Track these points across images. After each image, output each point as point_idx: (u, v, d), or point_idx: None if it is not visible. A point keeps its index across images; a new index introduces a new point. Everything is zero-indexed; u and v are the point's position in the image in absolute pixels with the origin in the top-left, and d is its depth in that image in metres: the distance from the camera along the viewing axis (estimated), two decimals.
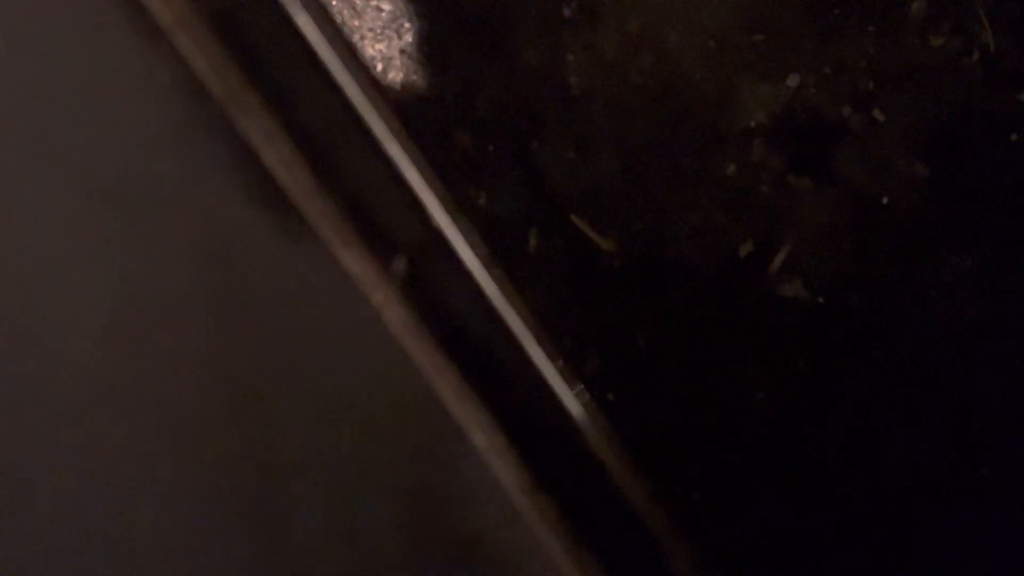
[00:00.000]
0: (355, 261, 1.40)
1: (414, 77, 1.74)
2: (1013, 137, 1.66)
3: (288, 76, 1.50)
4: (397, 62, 1.74)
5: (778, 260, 1.70)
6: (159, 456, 0.89)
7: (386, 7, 1.74)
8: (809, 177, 1.70)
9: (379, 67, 1.74)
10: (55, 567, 0.74)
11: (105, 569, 0.79)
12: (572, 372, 1.67)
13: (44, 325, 0.84)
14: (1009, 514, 1.65)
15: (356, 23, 1.74)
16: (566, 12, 1.72)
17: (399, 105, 1.73)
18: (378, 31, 1.74)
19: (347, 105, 1.58)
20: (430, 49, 1.75)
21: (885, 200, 1.69)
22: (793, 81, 1.70)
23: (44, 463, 0.77)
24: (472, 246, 1.62)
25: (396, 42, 1.74)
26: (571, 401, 1.65)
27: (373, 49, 1.74)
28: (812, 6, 1.70)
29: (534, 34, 1.72)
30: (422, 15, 1.75)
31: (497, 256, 1.67)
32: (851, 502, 1.69)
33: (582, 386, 1.67)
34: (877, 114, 1.69)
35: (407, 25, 1.74)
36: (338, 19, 1.73)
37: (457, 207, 1.65)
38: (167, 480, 0.88)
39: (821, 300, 1.69)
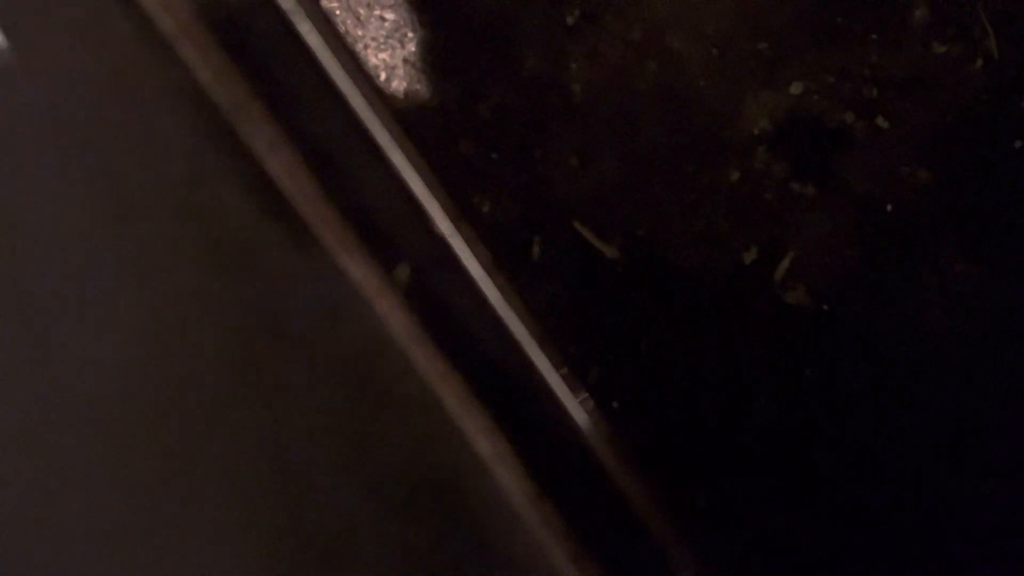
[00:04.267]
0: (359, 269, 1.40)
1: (417, 86, 1.75)
2: (1017, 144, 1.66)
3: (292, 85, 1.51)
4: (400, 71, 1.75)
5: (782, 267, 1.70)
6: (166, 464, 0.89)
7: (389, 17, 1.75)
8: (813, 184, 1.70)
9: (383, 76, 1.75)
10: (73, 571, 0.75)
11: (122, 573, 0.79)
12: (576, 380, 1.67)
13: (57, 330, 0.84)
14: (1011, 519, 1.65)
15: (360, 32, 1.74)
16: (569, 20, 1.72)
17: (403, 114, 1.73)
18: (381, 40, 1.75)
19: (351, 114, 1.58)
20: (433, 58, 1.75)
21: (889, 207, 1.68)
22: (796, 88, 1.70)
23: (65, 470, 0.77)
24: (476, 254, 1.62)
25: (399, 51, 1.75)
26: (575, 409, 1.65)
27: (377, 58, 1.75)
28: (815, 14, 1.70)
29: (537, 42, 1.73)
30: (425, 24, 1.75)
31: (500, 263, 1.67)
32: (854, 508, 1.69)
33: (586, 394, 1.67)
34: (880, 121, 1.69)
35: (410, 34, 1.75)
36: (341, 28, 1.74)
37: (460, 215, 1.65)
38: (176, 487, 0.89)
39: (825, 307, 1.69)
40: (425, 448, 1.35)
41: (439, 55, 1.75)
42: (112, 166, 1.00)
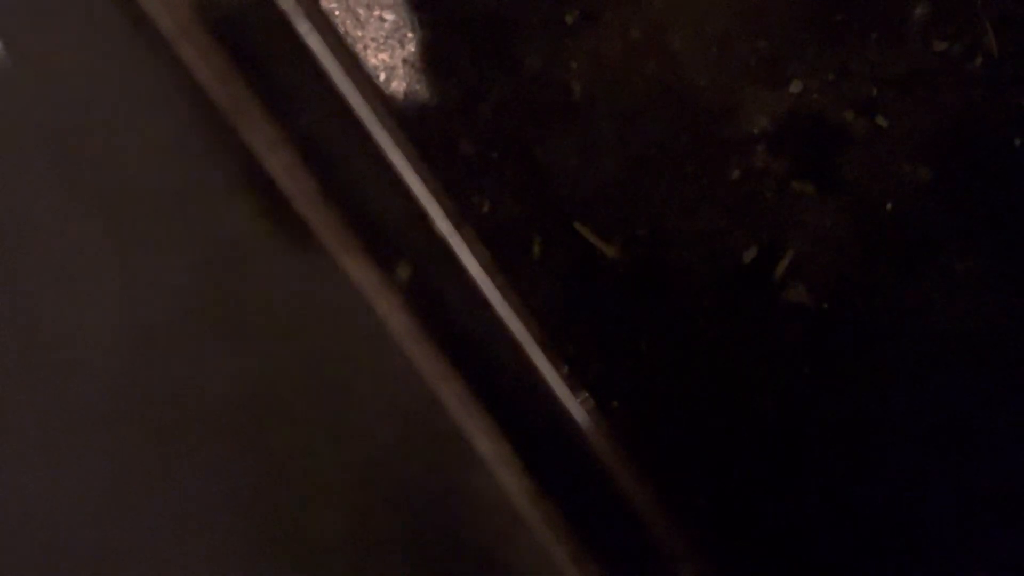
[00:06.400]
0: (359, 269, 1.40)
1: (417, 86, 1.75)
2: (1017, 141, 1.66)
3: (291, 85, 1.50)
4: (400, 71, 1.75)
5: (782, 266, 1.70)
6: (168, 461, 0.89)
7: (389, 17, 1.75)
8: (813, 183, 1.70)
9: (382, 76, 1.74)
10: (61, 568, 0.75)
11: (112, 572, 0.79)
12: (576, 379, 1.67)
13: (54, 333, 0.84)
14: (1012, 518, 1.65)
15: (359, 33, 1.74)
16: (568, 19, 1.72)
17: (402, 114, 1.73)
18: (381, 41, 1.75)
19: (350, 114, 1.58)
20: (433, 58, 1.75)
21: (889, 205, 1.68)
22: (796, 87, 1.70)
23: (53, 468, 0.77)
24: (475, 254, 1.62)
25: (399, 52, 1.75)
26: (575, 408, 1.65)
27: (376, 59, 1.74)
28: (815, 12, 1.70)
29: (537, 42, 1.73)
30: (425, 25, 1.75)
31: (500, 263, 1.67)
32: (854, 506, 1.68)
33: (586, 393, 1.67)
34: (880, 119, 1.68)
35: (410, 35, 1.75)
36: (341, 29, 1.74)
37: (460, 215, 1.65)
38: (177, 484, 0.89)
39: (825, 306, 1.69)
40: (425, 447, 1.35)
41: (439, 55, 1.75)
42: (111, 167, 1.00)
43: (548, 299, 1.73)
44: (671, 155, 1.72)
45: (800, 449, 1.70)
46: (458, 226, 1.63)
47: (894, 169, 1.68)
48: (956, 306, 1.66)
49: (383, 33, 1.74)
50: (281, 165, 1.36)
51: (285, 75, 1.50)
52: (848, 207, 1.69)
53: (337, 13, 1.74)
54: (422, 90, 1.75)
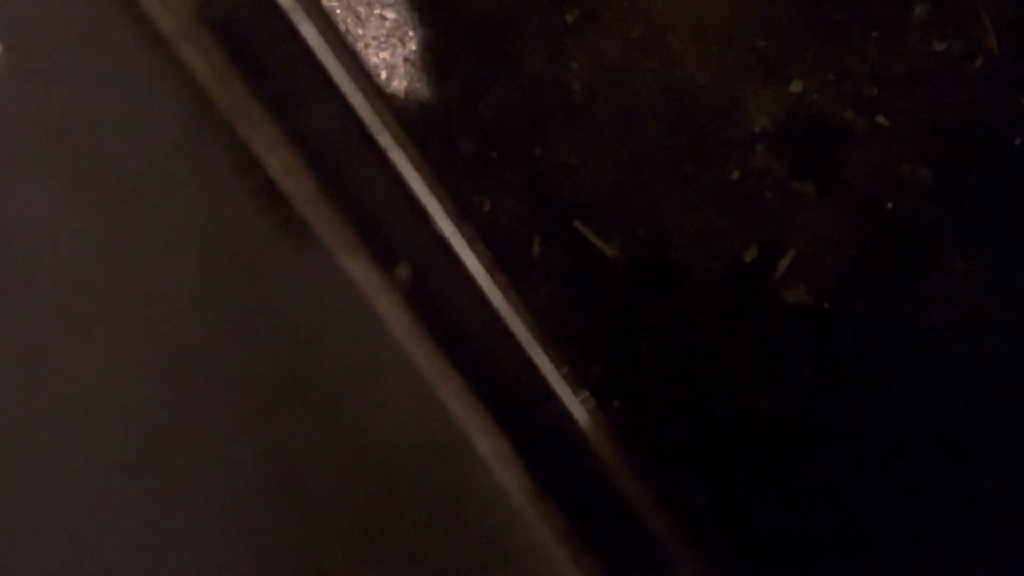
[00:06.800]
0: (359, 268, 1.40)
1: (418, 85, 1.75)
2: (1017, 141, 1.66)
3: (291, 84, 1.50)
4: (401, 70, 1.75)
5: (782, 266, 1.70)
6: (162, 462, 0.89)
7: (390, 16, 1.75)
8: (813, 182, 1.70)
9: (383, 75, 1.74)
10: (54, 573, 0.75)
11: None
12: (577, 378, 1.67)
13: (47, 330, 0.84)
14: (1011, 518, 1.65)
15: (360, 31, 1.74)
16: (568, 19, 1.72)
17: (403, 113, 1.73)
18: (382, 39, 1.75)
19: (351, 113, 1.58)
20: (433, 57, 1.75)
21: (889, 205, 1.68)
22: (796, 87, 1.70)
23: (44, 466, 0.77)
24: (476, 253, 1.61)
25: (400, 50, 1.75)
26: (576, 407, 1.64)
27: (377, 57, 1.75)
28: (815, 12, 1.70)
29: (537, 41, 1.73)
30: (425, 23, 1.75)
31: (501, 263, 1.67)
32: (855, 506, 1.69)
33: (587, 392, 1.67)
34: (881, 119, 1.68)
35: (411, 33, 1.75)
36: (342, 27, 1.74)
37: (461, 214, 1.65)
38: (171, 486, 0.89)
39: (826, 305, 1.69)
40: (424, 447, 1.35)
41: (439, 54, 1.75)
42: (109, 167, 1.00)
43: (548, 298, 1.73)
44: (671, 155, 1.72)
45: (800, 449, 1.70)
46: (458, 225, 1.63)
47: (894, 169, 1.68)
48: (956, 306, 1.66)
49: (384, 32, 1.75)
50: (281, 164, 1.36)
51: (285, 74, 1.50)
52: (849, 207, 1.69)
53: (338, 12, 1.74)
54: (423, 89, 1.75)
